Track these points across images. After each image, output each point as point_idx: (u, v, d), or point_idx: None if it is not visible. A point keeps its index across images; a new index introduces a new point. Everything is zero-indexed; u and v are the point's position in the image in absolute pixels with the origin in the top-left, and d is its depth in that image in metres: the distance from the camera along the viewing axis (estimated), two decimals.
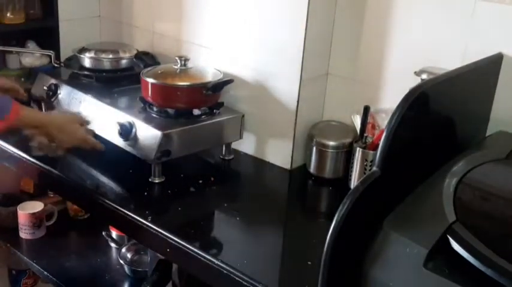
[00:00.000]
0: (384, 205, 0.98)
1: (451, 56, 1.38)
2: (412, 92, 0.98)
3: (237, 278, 1.16)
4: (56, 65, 1.89)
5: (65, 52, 2.05)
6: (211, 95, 1.55)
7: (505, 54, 1.32)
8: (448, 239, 0.88)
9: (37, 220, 1.97)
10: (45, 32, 2.02)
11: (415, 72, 1.37)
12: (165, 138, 1.45)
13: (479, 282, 0.83)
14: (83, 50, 1.83)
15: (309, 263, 1.20)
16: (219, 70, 1.63)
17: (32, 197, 2.09)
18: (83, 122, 1.49)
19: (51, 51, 1.90)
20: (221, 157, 1.66)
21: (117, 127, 1.50)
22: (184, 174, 1.55)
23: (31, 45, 2.02)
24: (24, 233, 1.98)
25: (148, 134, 1.47)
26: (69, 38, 2.06)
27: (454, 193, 0.99)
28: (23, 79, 2.05)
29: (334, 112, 1.64)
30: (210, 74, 1.61)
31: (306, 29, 1.48)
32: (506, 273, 0.82)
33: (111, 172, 1.55)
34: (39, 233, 1.99)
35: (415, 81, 1.29)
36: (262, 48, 1.59)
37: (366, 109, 1.46)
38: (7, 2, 1.90)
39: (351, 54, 1.58)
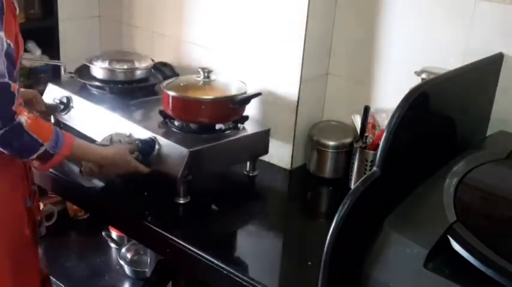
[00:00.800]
0: (384, 205, 0.98)
1: (452, 56, 1.38)
2: (413, 92, 0.98)
3: (237, 279, 1.16)
4: (67, 76, 1.75)
5: (65, 52, 2.05)
6: (237, 108, 1.48)
7: (506, 54, 1.32)
8: (448, 239, 0.88)
9: None
10: (45, 32, 2.02)
11: (415, 72, 1.37)
12: (193, 155, 1.35)
13: (479, 282, 0.83)
14: (94, 59, 1.71)
15: (309, 263, 1.20)
16: (242, 82, 1.55)
17: None
18: (133, 150, 1.39)
19: (61, 62, 1.78)
20: (245, 172, 1.57)
21: (139, 144, 1.40)
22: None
23: (31, 45, 2.02)
24: None
25: (173, 151, 1.38)
26: (68, 37, 2.06)
27: (454, 193, 0.99)
28: (22, 79, 2.05)
29: (334, 112, 1.64)
30: (234, 86, 1.52)
31: (306, 29, 1.48)
32: (506, 273, 0.81)
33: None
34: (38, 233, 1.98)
35: (416, 81, 1.29)
36: (262, 48, 1.58)
37: (366, 109, 1.46)
38: None
39: (351, 54, 1.58)
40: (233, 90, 1.49)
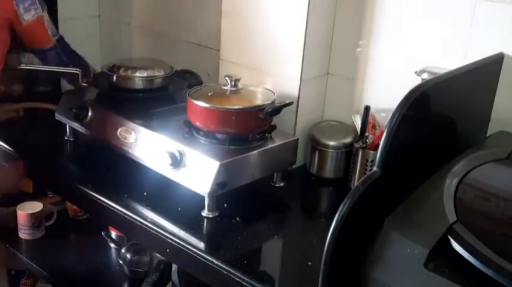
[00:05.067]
0: (385, 205, 0.98)
1: (452, 56, 1.38)
2: (413, 92, 0.98)
3: (237, 279, 1.16)
4: (83, 84, 1.71)
5: None
6: (268, 118, 1.44)
7: (506, 54, 1.32)
8: (448, 239, 0.88)
9: (36, 220, 1.96)
10: None
11: (415, 72, 1.37)
12: (223, 168, 1.31)
13: (479, 282, 0.83)
14: (112, 67, 1.65)
15: (309, 263, 1.20)
16: (270, 90, 1.50)
17: (31, 197, 2.09)
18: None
19: (77, 70, 1.71)
20: (272, 183, 1.53)
21: (167, 156, 1.35)
22: None
23: None
24: (23, 234, 1.97)
25: (201, 163, 1.33)
26: (68, 37, 2.06)
27: (454, 193, 0.99)
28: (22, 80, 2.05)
29: (334, 112, 1.63)
30: (263, 96, 1.47)
31: (306, 29, 1.48)
32: (507, 273, 0.81)
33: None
34: (38, 233, 1.98)
35: (416, 81, 1.29)
36: (262, 48, 1.58)
37: (367, 109, 1.46)
38: None
39: (351, 54, 1.58)
40: (262, 99, 1.45)
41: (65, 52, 1.80)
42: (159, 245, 1.31)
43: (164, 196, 1.42)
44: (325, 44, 1.59)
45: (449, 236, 0.88)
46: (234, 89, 1.46)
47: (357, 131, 1.51)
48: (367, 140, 1.47)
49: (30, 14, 1.62)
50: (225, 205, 1.38)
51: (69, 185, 1.52)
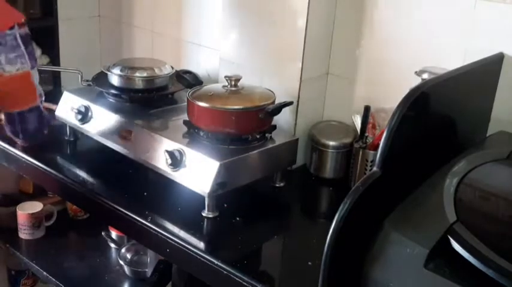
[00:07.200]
0: (384, 205, 0.98)
1: (452, 56, 1.38)
2: (413, 91, 0.98)
3: (237, 279, 1.16)
4: (83, 84, 1.69)
5: (65, 52, 2.05)
6: (268, 118, 1.44)
7: (506, 54, 1.32)
8: (448, 239, 0.88)
9: (36, 220, 1.96)
10: (45, 32, 2.02)
11: (415, 72, 1.37)
12: (223, 168, 1.31)
13: (479, 282, 0.83)
14: (112, 67, 1.65)
15: (309, 263, 1.20)
16: (270, 90, 1.50)
17: (31, 197, 2.09)
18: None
19: (78, 70, 1.70)
20: (272, 183, 1.52)
21: (167, 156, 1.35)
22: None
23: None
24: (23, 234, 1.97)
25: (201, 163, 1.33)
26: (68, 37, 2.06)
27: (454, 193, 0.99)
28: None
29: (334, 112, 1.63)
30: (263, 95, 1.46)
31: (306, 29, 1.48)
32: (506, 273, 0.81)
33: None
34: (38, 233, 1.98)
35: (416, 81, 1.29)
36: (262, 48, 1.58)
37: (367, 109, 1.46)
38: (6, 1, 1.90)
39: (351, 54, 1.58)
40: (262, 99, 1.44)
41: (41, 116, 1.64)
42: (159, 245, 1.31)
43: (164, 196, 1.42)
44: (325, 44, 1.59)
45: (449, 236, 0.88)
46: (234, 89, 1.46)
47: (357, 131, 1.51)
48: (367, 140, 1.47)
49: (14, 67, 1.49)
50: (225, 205, 1.38)
51: (69, 185, 1.52)
